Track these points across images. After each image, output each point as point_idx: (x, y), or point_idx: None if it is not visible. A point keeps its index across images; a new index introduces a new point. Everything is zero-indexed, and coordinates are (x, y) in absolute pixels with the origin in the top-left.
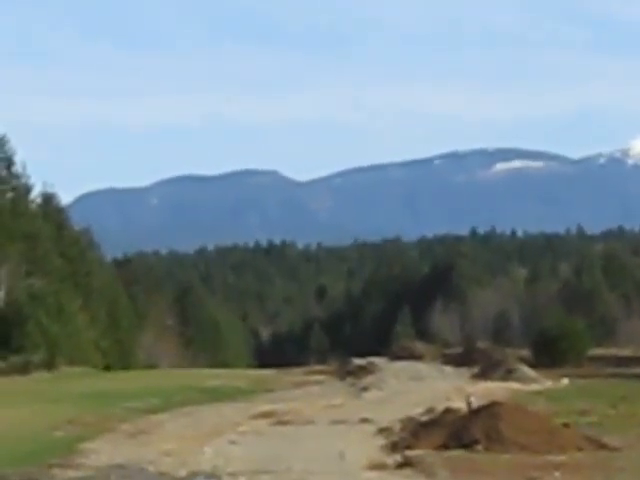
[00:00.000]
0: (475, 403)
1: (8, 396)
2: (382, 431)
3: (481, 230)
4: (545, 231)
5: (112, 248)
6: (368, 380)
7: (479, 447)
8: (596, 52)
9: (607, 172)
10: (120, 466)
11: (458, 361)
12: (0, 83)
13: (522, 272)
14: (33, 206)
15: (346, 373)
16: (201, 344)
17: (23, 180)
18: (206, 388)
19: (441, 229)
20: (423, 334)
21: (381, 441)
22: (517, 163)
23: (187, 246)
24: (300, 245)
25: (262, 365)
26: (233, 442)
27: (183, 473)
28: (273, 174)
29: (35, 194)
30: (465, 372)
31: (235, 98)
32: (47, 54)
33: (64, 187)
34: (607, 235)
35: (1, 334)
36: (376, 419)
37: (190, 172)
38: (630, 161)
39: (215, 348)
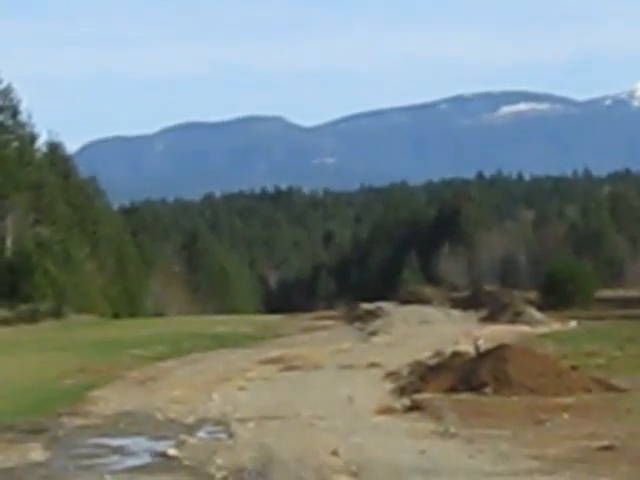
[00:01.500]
0: (483, 346)
1: (16, 345)
2: (390, 375)
3: (487, 173)
4: (552, 174)
5: (119, 196)
6: (376, 324)
7: (487, 390)
8: None
9: (613, 114)
10: (128, 413)
11: (466, 304)
12: (4, 34)
13: (529, 215)
14: (39, 155)
15: (354, 318)
16: (209, 291)
17: (28, 129)
18: (214, 335)
19: (447, 173)
20: (430, 278)
21: (389, 385)
22: (523, 106)
23: (193, 193)
24: (307, 191)
25: (270, 311)
26: (241, 388)
27: (191, 420)
28: (279, 120)
29: (41, 143)
30: (473, 315)
31: (240, 46)
32: (51, 4)
33: (70, 136)
34: (614, 177)
35: (9, 283)
36: (384, 363)
37: (196, 119)
38: (636, 103)
39: (223, 295)
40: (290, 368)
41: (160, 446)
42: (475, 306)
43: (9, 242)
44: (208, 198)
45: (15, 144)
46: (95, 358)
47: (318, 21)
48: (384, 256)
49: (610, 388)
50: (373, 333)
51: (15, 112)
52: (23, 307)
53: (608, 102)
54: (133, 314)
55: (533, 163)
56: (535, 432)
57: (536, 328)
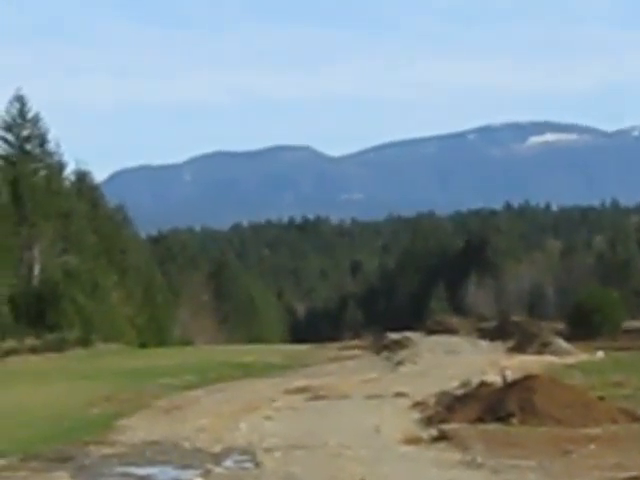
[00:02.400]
0: (510, 376)
1: (43, 374)
2: (417, 405)
3: (515, 204)
4: (579, 204)
5: (146, 225)
6: (403, 354)
7: (514, 420)
8: (630, 25)
9: None
10: (155, 442)
11: (493, 335)
12: (33, 62)
13: (557, 245)
14: (67, 184)
15: (381, 348)
16: (236, 320)
17: (57, 158)
18: (241, 364)
19: (475, 203)
20: (458, 308)
21: (416, 415)
22: (550, 136)
23: (221, 223)
24: (334, 220)
25: (297, 341)
26: (268, 417)
27: (218, 449)
28: (306, 149)
29: (69, 172)
30: (500, 346)
31: (267, 74)
32: (78, 32)
33: (98, 165)
34: None
35: (36, 312)
36: (411, 393)
37: (223, 148)
38: None
39: (250, 324)
40: (317, 398)
41: (186, 475)
42: (502, 336)
43: (37, 271)
44: (236, 227)
45: (43, 173)
46: (122, 387)
47: (347, 49)
48: (411, 286)
49: (637, 419)
50: (400, 363)
51: (43, 141)
52: (50, 336)
53: (636, 133)
54: (160, 343)
55: (560, 193)
56: (562, 463)
57: (563, 359)
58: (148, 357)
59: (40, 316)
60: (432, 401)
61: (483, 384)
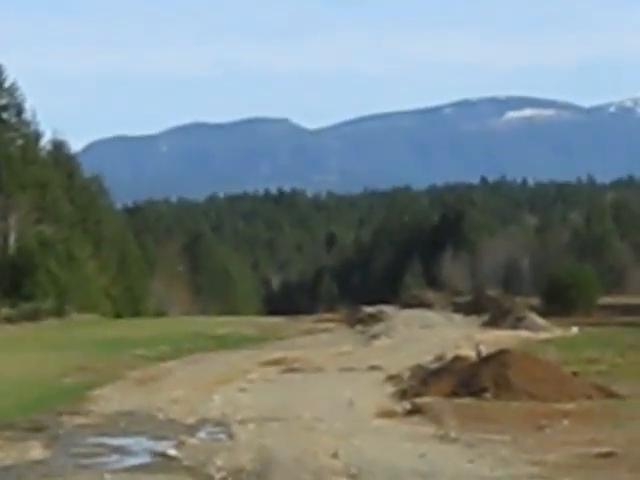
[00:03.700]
0: (484, 351)
1: (18, 343)
2: (391, 379)
3: (491, 179)
4: (556, 180)
5: (122, 196)
6: (378, 328)
7: (488, 395)
8: (609, 1)
9: (618, 121)
10: (129, 413)
11: (468, 309)
12: (9, 31)
13: (532, 221)
14: (43, 153)
15: (356, 321)
16: (211, 292)
17: (33, 127)
18: (216, 335)
19: (451, 177)
20: (433, 283)
21: (390, 388)
22: (528, 111)
23: (197, 194)
24: (310, 193)
25: (272, 313)
26: (242, 390)
27: (192, 420)
28: (284, 122)
29: (45, 141)
30: (475, 320)
31: (248, 47)
32: (57, 2)
33: (74, 135)
34: (617, 184)
35: (11, 281)
36: (385, 367)
37: (201, 120)
38: None
39: (225, 296)
40: (291, 370)
41: (160, 446)
42: (477, 311)
43: (12, 240)
44: (212, 199)
45: (19, 142)
46: (96, 357)
47: (324, 23)
48: (387, 260)
49: (611, 395)
50: (375, 336)
51: (20, 110)
52: (25, 305)
53: (612, 109)
54: (135, 314)
55: (537, 169)
56: (535, 438)
57: (538, 334)
58: (122, 328)
59: (15, 286)
60: (406, 375)
61: (457, 358)
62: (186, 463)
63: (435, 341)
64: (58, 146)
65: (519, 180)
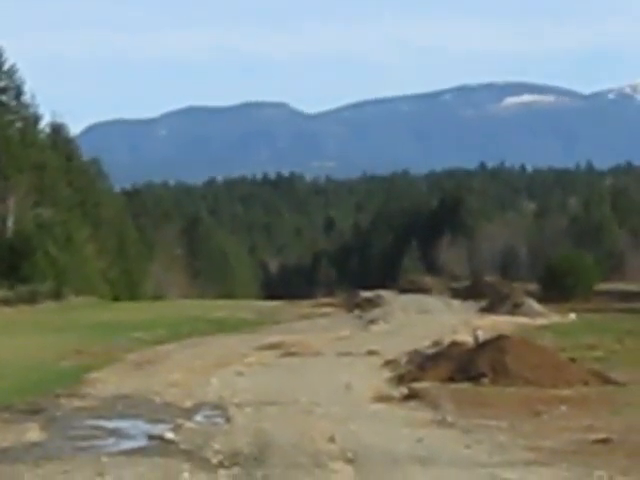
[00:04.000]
0: (482, 336)
1: (15, 326)
2: (388, 363)
3: (490, 164)
4: (554, 166)
5: (121, 179)
6: (375, 313)
7: (485, 380)
8: None
9: (617, 108)
10: (126, 396)
11: (465, 295)
12: (8, 14)
13: (531, 206)
14: (42, 136)
15: (353, 305)
16: (209, 275)
17: (32, 110)
18: (213, 319)
19: (450, 163)
20: (431, 268)
21: (387, 373)
22: (527, 97)
23: (196, 178)
24: (309, 177)
25: (270, 297)
26: (240, 373)
27: (189, 404)
28: (282, 106)
29: (44, 124)
30: (472, 306)
31: (245, 30)
32: None
33: (73, 118)
34: (616, 170)
35: (9, 264)
36: (383, 351)
37: (199, 104)
38: (639, 97)
39: (223, 279)
40: (289, 354)
41: (157, 429)
42: (475, 296)
43: (10, 222)
44: (210, 183)
45: (18, 125)
46: (94, 340)
47: (323, 8)
48: (385, 245)
49: (608, 381)
50: (372, 321)
51: (19, 93)
52: (23, 288)
53: (612, 96)
54: (133, 297)
55: (536, 155)
56: (532, 423)
57: (535, 320)
58: (120, 311)
59: (13, 268)
60: (404, 360)
61: (455, 344)
62: (183, 446)
63: (433, 326)
64: (57, 129)
65: (517, 166)
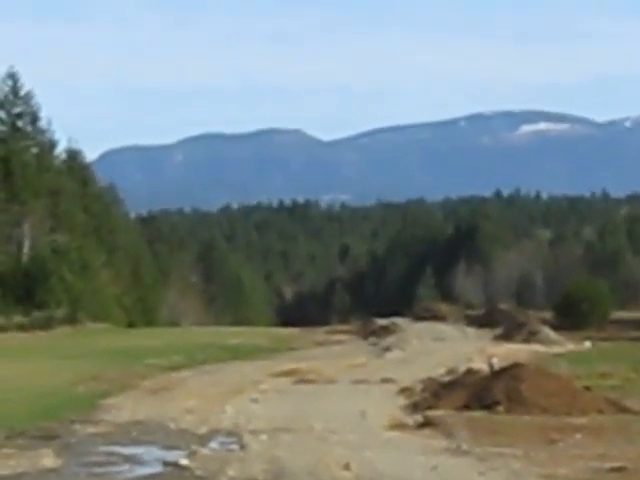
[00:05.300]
0: (497, 364)
1: (30, 351)
2: (403, 391)
3: (506, 192)
4: (570, 194)
5: (136, 205)
6: (390, 340)
7: (500, 408)
8: (625, 16)
9: (633, 136)
10: (141, 422)
11: (481, 322)
12: (26, 40)
13: (546, 234)
14: (58, 162)
15: (369, 333)
16: (224, 302)
17: (48, 135)
18: (228, 346)
19: (465, 190)
20: (446, 295)
21: (402, 401)
22: (542, 125)
23: (211, 204)
24: (324, 204)
25: (285, 324)
26: (255, 400)
27: (204, 430)
28: (298, 133)
29: (60, 150)
30: (487, 333)
31: (261, 57)
32: (76, 11)
33: (89, 144)
34: (632, 199)
35: (24, 289)
36: (398, 379)
37: (215, 130)
38: None
39: (238, 306)
40: (304, 381)
41: (172, 456)
42: (490, 324)
43: (26, 248)
44: (225, 209)
45: (34, 150)
46: (109, 366)
47: (340, 35)
48: (400, 272)
49: (623, 410)
50: (387, 349)
51: (35, 118)
52: (38, 313)
53: (628, 124)
54: (148, 323)
55: (551, 183)
56: (547, 452)
57: (550, 348)
58: (135, 337)
59: (28, 293)
60: (418, 387)
61: (470, 371)
62: (198, 473)
63: (447, 354)
64: (73, 155)
65: (533, 194)
